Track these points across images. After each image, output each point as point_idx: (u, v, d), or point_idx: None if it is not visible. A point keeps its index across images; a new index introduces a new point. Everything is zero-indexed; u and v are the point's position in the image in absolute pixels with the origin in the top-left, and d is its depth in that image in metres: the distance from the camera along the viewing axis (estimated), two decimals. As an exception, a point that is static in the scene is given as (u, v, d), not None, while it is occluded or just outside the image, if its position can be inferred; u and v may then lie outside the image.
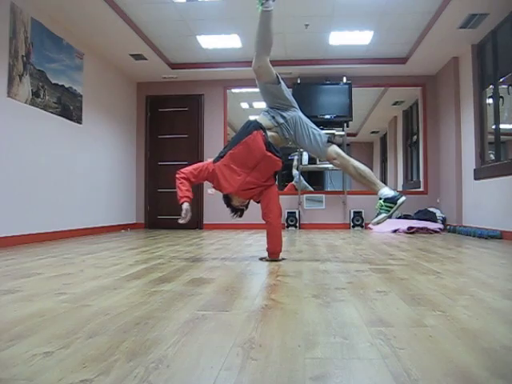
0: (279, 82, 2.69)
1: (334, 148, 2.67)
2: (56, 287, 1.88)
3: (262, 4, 2.50)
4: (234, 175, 2.69)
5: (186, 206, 2.72)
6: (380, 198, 2.58)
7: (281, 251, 2.80)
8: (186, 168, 2.80)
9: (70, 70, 4.90)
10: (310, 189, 7.47)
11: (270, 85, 2.69)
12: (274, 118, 2.71)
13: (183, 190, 2.72)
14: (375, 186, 2.63)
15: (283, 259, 2.81)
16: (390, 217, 2.58)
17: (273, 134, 2.71)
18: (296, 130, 2.70)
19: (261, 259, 2.83)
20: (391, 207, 2.53)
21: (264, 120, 2.73)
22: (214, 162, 2.76)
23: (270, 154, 2.64)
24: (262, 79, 2.70)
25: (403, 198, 2.55)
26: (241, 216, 2.92)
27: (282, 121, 2.70)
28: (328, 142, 2.66)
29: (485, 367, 0.95)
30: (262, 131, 2.66)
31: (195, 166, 2.81)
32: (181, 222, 2.73)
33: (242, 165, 2.68)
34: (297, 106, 2.79)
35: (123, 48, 5.52)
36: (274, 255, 2.78)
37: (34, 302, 1.61)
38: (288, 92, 2.76)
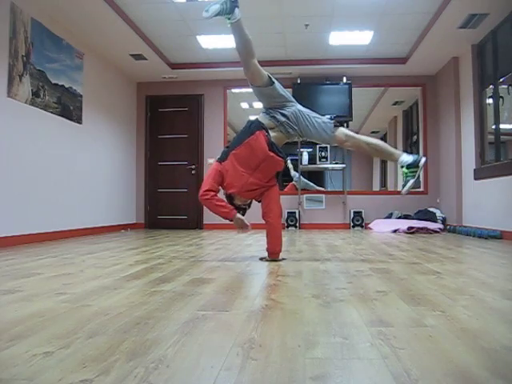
0: (273, 83, 2.68)
1: (342, 130, 2.67)
2: (56, 287, 1.88)
3: (229, 18, 2.50)
4: (237, 175, 2.69)
5: (240, 215, 2.73)
6: (402, 166, 2.62)
7: (281, 251, 2.80)
8: (205, 184, 2.70)
9: (70, 70, 4.90)
10: (313, 185, 7.44)
11: (263, 88, 2.68)
12: (274, 117, 2.70)
13: (224, 204, 2.69)
14: (393, 156, 2.67)
15: (283, 259, 2.81)
16: (416, 181, 2.62)
17: (275, 133, 2.70)
18: (299, 123, 2.69)
19: (261, 259, 2.83)
20: (415, 171, 2.59)
21: (265, 120, 2.72)
22: (220, 161, 2.75)
23: (272, 154, 2.64)
24: (256, 83, 2.68)
25: (424, 159, 2.61)
26: (243, 215, 2.91)
27: (283, 119, 2.69)
28: (334, 126, 2.66)
29: (485, 367, 0.95)
30: (265, 131, 2.66)
31: (209, 178, 2.72)
32: (246, 232, 2.79)
33: (244, 165, 2.68)
34: (293, 99, 2.77)
35: (123, 48, 5.52)
36: (273, 255, 2.77)
37: (33, 302, 1.61)
38: (282, 88, 2.74)
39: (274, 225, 2.75)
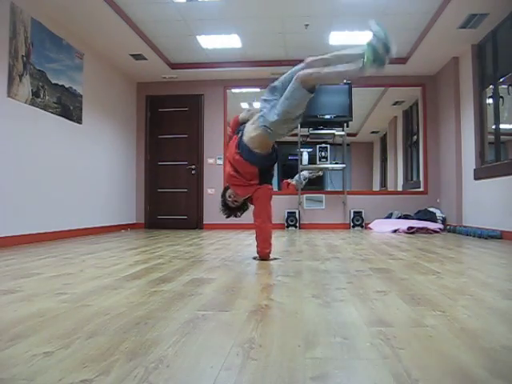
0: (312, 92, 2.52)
1: (302, 75, 2.44)
2: (56, 287, 1.88)
3: (378, 66, 2.36)
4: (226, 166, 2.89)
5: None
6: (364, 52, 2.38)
7: (270, 252, 2.83)
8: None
9: (70, 70, 4.90)
10: (302, 181, 7.39)
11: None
12: (265, 100, 2.65)
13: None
14: (358, 55, 2.46)
15: (275, 259, 2.84)
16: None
17: (256, 133, 2.64)
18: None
19: (254, 258, 2.88)
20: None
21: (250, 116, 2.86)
22: (238, 135, 2.81)
23: (238, 157, 2.71)
24: (305, 86, 2.47)
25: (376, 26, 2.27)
26: (239, 216, 2.95)
27: (271, 97, 2.60)
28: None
29: (485, 367, 0.95)
30: (238, 134, 2.77)
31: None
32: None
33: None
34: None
35: (123, 48, 5.52)
36: (262, 256, 2.82)
37: (33, 301, 1.61)
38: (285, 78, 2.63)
39: (261, 228, 2.78)
